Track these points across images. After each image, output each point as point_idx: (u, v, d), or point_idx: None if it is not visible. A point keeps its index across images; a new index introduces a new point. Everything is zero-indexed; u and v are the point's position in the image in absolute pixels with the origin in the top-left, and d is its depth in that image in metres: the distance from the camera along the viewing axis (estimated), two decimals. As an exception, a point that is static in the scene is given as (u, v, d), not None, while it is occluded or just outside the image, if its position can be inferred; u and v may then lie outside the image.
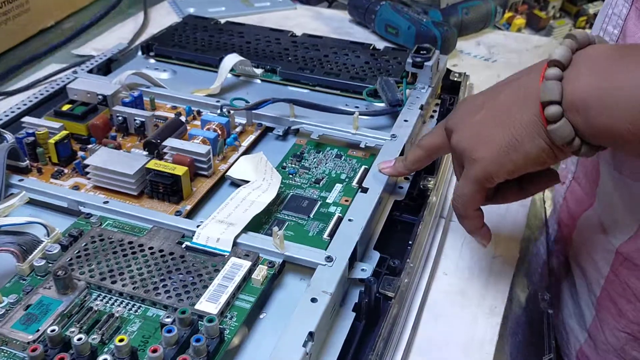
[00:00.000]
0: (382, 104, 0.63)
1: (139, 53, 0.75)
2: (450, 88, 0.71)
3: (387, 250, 0.48)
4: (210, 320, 0.35)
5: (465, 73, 0.72)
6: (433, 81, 0.65)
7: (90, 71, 0.68)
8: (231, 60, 0.67)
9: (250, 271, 0.41)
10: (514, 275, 0.50)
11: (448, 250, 0.51)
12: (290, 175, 0.53)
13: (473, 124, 0.41)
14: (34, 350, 0.33)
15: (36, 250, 0.41)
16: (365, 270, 0.44)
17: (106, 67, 0.72)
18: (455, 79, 0.71)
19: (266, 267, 0.41)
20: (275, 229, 0.43)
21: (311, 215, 0.49)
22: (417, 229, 0.49)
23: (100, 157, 0.49)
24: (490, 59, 0.82)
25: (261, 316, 0.41)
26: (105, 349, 0.36)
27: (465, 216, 0.44)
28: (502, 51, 0.85)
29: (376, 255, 0.46)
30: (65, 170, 0.52)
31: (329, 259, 0.42)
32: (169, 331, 0.34)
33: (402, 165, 0.49)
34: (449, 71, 0.72)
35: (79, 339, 0.34)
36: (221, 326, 0.37)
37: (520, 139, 0.38)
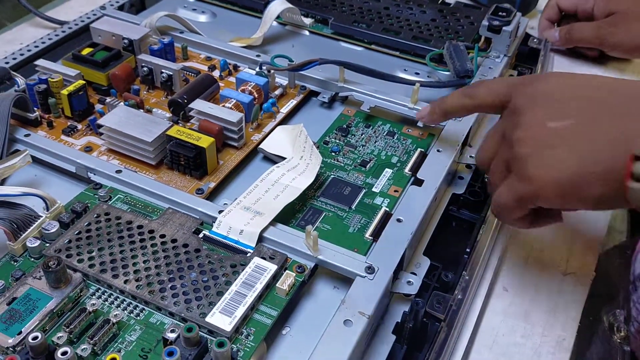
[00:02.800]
0: (448, 73, 0.54)
1: (178, -11, 0.67)
2: (527, 56, 0.61)
3: (439, 254, 0.40)
4: (221, 344, 0.29)
5: (546, 40, 0.61)
6: (510, 50, 0.55)
7: (121, 7, 0.61)
8: (278, 7, 0.58)
9: (276, 277, 0.34)
10: (588, 298, 0.42)
11: (512, 260, 0.44)
12: (333, 154, 0.46)
13: (551, 131, 0.32)
14: (10, 361, 0.28)
15: (30, 228, 0.35)
16: (411, 283, 0.37)
17: (140, 3, 0.64)
18: (535, 45, 0.61)
19: (294, 274, 0.35)
20: (309, 227, 0.36)
21: (353, 207, 0.41)
22: (477, 232, 0.41)
23: (117, 117, 0.43)
24: (577, 23, 0.70)
25: (284, 331, 0.34)
26: (97, 361, 0.30)
27: (507, 223, 0.38)
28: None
29: (426, 263, 0.39)
30: (79, 127, 0.46)
31: (370, 269, 0.35)
32: (171, 354, 0.28)
33: (440, 111, 0.42)
34: (527, 35, 0.62)
35: (64, 353, 0.28)
36: (234, 346, 0.31)
37: (593, 179, 0.30)
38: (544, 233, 0.45)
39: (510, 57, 0.56)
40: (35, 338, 0.29)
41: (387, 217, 0.40)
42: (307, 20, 0.61)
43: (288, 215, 0.40)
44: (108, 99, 0.47)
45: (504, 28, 0.54)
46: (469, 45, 0.55)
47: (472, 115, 0.47)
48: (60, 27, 0.57)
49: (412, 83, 0.49)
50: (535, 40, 0.62)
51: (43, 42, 0.53)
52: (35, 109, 0.46)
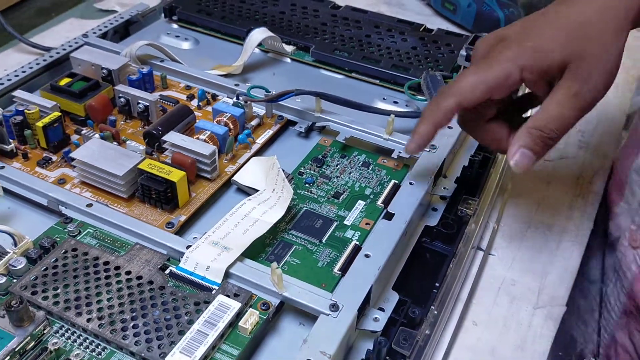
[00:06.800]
0: (426, 102, 0.54)
1: (162, 16, 0.67)
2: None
3: (408, 288, 0.40)
4: (178, 387, 0.29)
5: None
6: (488, 79, 0.55)
7: (104, 35, 0.62)
8: (259, 35, 0.59)
9: (239, 314, 0.35)
10: (557, 333, 0.42)
11: (482, 293, 0.44)
12: (307, 185, 0.46)
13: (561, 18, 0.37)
14: (-34, 404, 0.28)
15: (-3, 265, 0.36)
16: (378, 319, 0.37)
17: (124, 30, 0.65)
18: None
19: (258, 312, 0.35)
20: (274, 264, 0.36)
21: (324, 240, 0.41)
22: (447, 266, 0.41)
23: (90, 150, 0.43)
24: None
25: (247, 370, 0.35)
26: (56, 403, 0.30)
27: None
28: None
29: (394, 298, 0.39)
30: (54, 158, 0.46)
31: (334, 307, 0.35)
32: (127, 396, 0.29)
33: (433, 121, 0.39)
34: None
35: (20, 396, 0.28)
36: (193, 388, 0.31)
37: None
38: (515, 266, 0.46)
39: (488, 86, 0.57)
40: (-8, 380, 0.29)
41: (356, 250, 0.40)
42: (289, 48, 0.61)
43: (258, 249, 0.40)
44: (84, 130, 0.47)
45: None
46: (447, 75, 0.56)
47: (448, 146, 0.48)
48: (47, 52, 0.57)
49: (387, 113, 0.49)
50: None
51: (23, 72, 0.54)
52: (11, 140, 0.46)
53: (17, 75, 0.53)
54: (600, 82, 0.37)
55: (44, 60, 0.56)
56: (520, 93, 0.45)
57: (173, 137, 0.45)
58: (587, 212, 0.51)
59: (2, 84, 0.52)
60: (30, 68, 0.55)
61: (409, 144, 0.41)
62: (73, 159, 0.43)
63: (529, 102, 0.44)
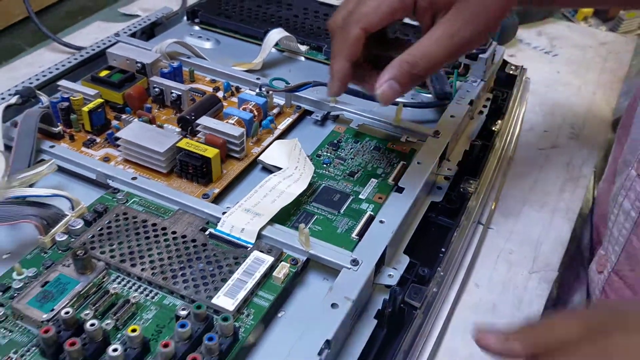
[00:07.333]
0: (429, 95, 0.60)
1: (184, 19, 0.73)
2: (505, 81, 0.67)
3: (418, 254, 0.45)
4: (225, 319, 0.34)
5: (522, 66, 0.67)
6: (486, 75, 0.61)
7: (133, 34, 0.67)
8: (276, 35, 0.64)
9: (272, 267, 0.40)
10: (549, 295, 0.47)
11: (483, 260, 0.49)
12: (325, 165, 0.51)
13: None
14: (46, 331, 0.33)
15: (59, 225, 0.40)
16: (392, 276, 0.42)
17: (150, 31, 0.70)
18: (512, 72, 0.67)
19: (289, 265, 0.40)
20: (302, 225, 0.41)
21: (341, 211, 0.47)
22: (452, 235, 0.46)
23: (133, 131, 0.48)
24: (551, 52, 0.77)
25: (279, 314, 0.39)
26: (119, 335, 0.35)
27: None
28: (564, 44, 0.79)
29: (405, 260, 0.44)
30: (98, 140, 0.51)
31: (354, 262, 0.40)
32: (183, 326, 0.33)
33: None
34: (505, 62, 0.68)
35: (92, 325, 0.33)
36: (236, 324, 0.36)
37: None
38: (513, 238, 0.51)
39: (486, 82, 0.62)
40: (67, 313, 0.34)
41: (371, 220, 0.45)
42: (303, 48, 0.67)
43: (284, 217, 0.45)
44: (124, 116, 0.52)
45: (480, 55, 0.60)
46: (449, 71, 0.61)
47: (450, 132, 0.53)
48: (78, 52, 0.63)
49: (395, 103, 0.55)
50: (512, 67, 0.68)
51: (63, 65, 0.59)
52: (58, 124, 0.51)
53: (57, 69, 0.59)
54: (480, 26, 0.37)
55: (81, 55, 0.61)
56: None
57: (206, 121, 0.50)
58: (576, 194, 0.57)
59: (45, 75, 0.57)
60: (69, 62, 0.60)
61: (330, 87, 0.41)
62: (118, 139, 0.48)
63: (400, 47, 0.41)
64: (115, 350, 0.32)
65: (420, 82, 0.38)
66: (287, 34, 0.65)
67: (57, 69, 0.59)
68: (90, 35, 0.74)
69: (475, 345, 0.41)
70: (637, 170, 0.38)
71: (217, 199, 0.47)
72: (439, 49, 0.37)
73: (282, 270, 0.39)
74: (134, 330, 0.33)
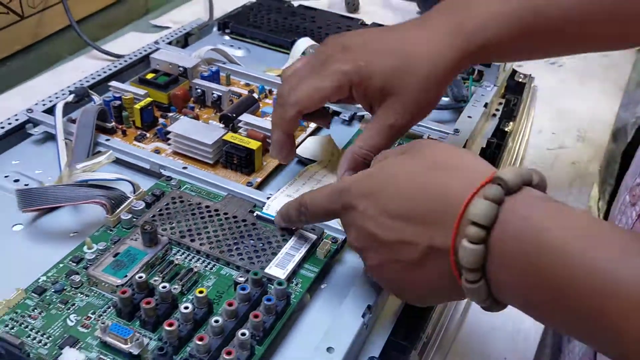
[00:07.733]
0: (447, 99, 0.65)
1: (215, 29, 0.78)
2: (514, 89, 0.72)
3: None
4: (280, 284, 0.38)
5: (530, 75, 0.72)
6: (499, 80, 0.66)
7: (169, 43, 0.72)
8: (304, 43, 0.69)
9: (315, 244, 0.44)
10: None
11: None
12: (354, 159, 0.56)
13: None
14: (124, 292, 0.37)
15: (123, 205, 0.45)
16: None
17: (184, 40, 0.75)
18: (520, 80, 0.72)
19: (330, 242, 0.44)
20: (342, 207, 0.45)
21: (373, 199, 0.51)
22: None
23: (182, 126, 0.53)
24: (556, 62, 0.82)
25: (322, 286, 0.44)
26: (184, 299, 0.39)
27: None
28: (569, 56, 0.85)
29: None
30: (147, 135, 0.56)
31: (389, 240, 0.45)
32: (243, 289, 0.38)
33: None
34: (514, 71, 0.73)
35: (164, 287, 0.37)
36: (288, 290, 0.40)
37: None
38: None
39: (499, 87, 0.67)
40: (140, 277, 0.38)
41: (400, 206, 0.49)
42: (327, 56, 0.72)
43: (321, 204, 0.50)
44: (171, 114, 0.57)
45: (493, 62, 0.65)
46: (464, 77, 0.66)
47: (469, 130, 0.58)
48: (117, 59, 0.68)
49: (417, 105, 0.60)
50: (521, 75, 0.73)
51: (110, 69, 0.64)
52: (111, 120, 0.56)
53: (105, 72, 0.64)
54: (413, 115, 0.44)
55: (125, 61, 0.66)
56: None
57: (247, 117, 0.55)
58: (583, 190, 0.61)
59: (93, 78, 0.62)
60: (115, 67, 0.65)
61: (271, 152, 0.48)
62: (168, 132, 0.53)
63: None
64: (186, 308, 0.36)
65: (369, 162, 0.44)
66: (313, 42, 0.70)
67: (104, 72, 0.64)
68: (125, 44, 0.79)
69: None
70: (630, 198, 0.40)
71: (259, 187, 0.52)
72: (382, 139, 0.44)
73: (325, 247, 0.44)
74: (201, 292, 0.37)
